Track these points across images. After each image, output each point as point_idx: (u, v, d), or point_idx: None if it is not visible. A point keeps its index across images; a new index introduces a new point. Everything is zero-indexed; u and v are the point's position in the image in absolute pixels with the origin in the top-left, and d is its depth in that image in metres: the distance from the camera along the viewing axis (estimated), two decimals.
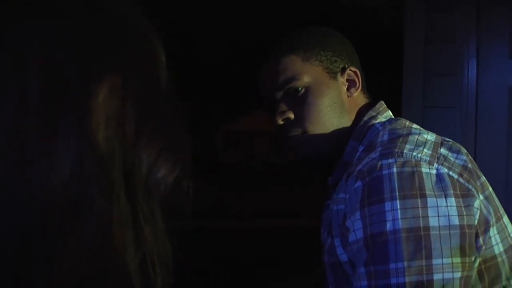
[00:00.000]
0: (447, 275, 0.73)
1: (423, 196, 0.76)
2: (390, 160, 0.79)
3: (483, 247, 0.81)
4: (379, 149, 0.84)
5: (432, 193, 0.77)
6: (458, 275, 0.74)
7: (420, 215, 0.75)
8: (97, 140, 0.32)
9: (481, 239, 0.81)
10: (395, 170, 0.78)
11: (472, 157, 0.90)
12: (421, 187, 0.77)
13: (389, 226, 0.75)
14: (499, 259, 0.84)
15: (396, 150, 0.81)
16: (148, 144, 0.36)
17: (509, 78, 2.18)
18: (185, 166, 0.39)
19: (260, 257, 5.20)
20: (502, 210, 0.89)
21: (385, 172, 0.78)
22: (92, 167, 0.31)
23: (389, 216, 0.75)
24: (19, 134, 0.30)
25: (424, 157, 0.81)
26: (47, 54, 0.31)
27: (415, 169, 0.78)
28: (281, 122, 0.95)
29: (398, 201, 0.76)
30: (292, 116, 0.94)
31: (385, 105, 0.99)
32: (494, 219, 0.84)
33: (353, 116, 0.97)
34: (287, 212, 7.93)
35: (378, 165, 0.80)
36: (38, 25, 0.31)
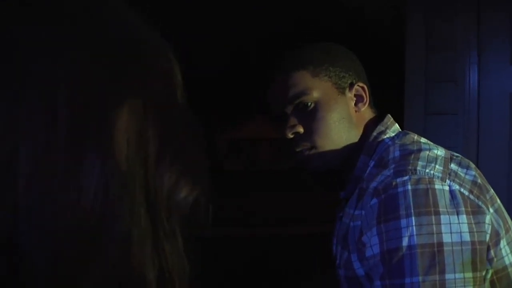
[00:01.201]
0: None
1: (437, 213, 0.79)
2: (405, 178, 0.82)
3: (495, 259, 0.84)
4: (392, 166, 0.86)
5: (445, 210, 0.79)
6: None
7: (434, 232, 0.77)
8: (120, 162, 0.33)
9: (492, 252, 0.83)
10: (409, 187, 0.80)
11: (474, 162, 0.92)
12: (435, 204, 0.79)
13: (405, 242, 0.77)
14: (509, 269, 0.86)
15: (410, 167, 0.84)
16: (169, 165, 0.37)
17: (510, 84, 2.19)
18: (204, 185, 0.39)
19: (262, 265, 5.19)
20: (510, 221, 0.90)
21: (400, 189, 0.81)
22: (115, 189, 0.32)
23: (405, 232, 0.78)
24: (48, 158, 0.31)
25: (437, 173, 0.83)
26: (70, 80, 0.32)
27: (429, 186, 0.81)
28: (291, 136, 0.97)
29: (413, 218, 0.78)
30: (301, 130, 0.96)
31: (392, 119, 1.01)
32: (503, 231, 0.86)
33: (360, 131, 0.99)
34: (291, 219, 7.91)
35: (393, 183, 0.82)
36: (60, 54, 0.33)
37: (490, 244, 0.83)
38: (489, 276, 0.84)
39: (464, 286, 0.76)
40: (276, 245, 6.11)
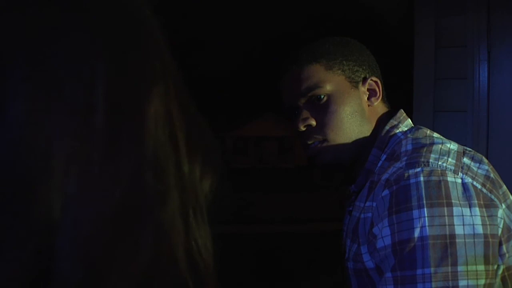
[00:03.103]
0: (472, 282, 0.76)
1: (449, 205, 0.78)
2: (417, 169, 0.82)
3: (506, 255, 0.83)
4: (405, 158, 0.86)
5: (458, 202, 0.79)
6: (482, 282, 0.76)
7: (447, 223, 0.77)
8: (154, 148, 0.33)
9: (504, 247, 0.82)
10: (422, 179, 0.80)
11: None
12: (447, 196, 0.79)
13: (417, 233, 0.77)
14: None
15: (422, 159, 0.84)
16: (195, 151, 0.36)
17: None
18: (220, 177, 0.39)
19: (267, 262, 5.19)
20: None
21: (412, 181, 0.80)
22: (150, 175, 0.32)
23: (417, 223, 0.77)
24: (84, 148, 0.30)
25: (449, 166, 0.83)
26: (106, 67, 0.32)
27: (441, 178, 0.80)
28: (303, 129, 0.97)
29: (425, 209, 0.78)
30: (314, 123, 0.97)
31: (405, 114, 1.01)
32: None
33: (373, 125, 0.99)
34: (296, 217, 7.91)
35: (405, 175, 0.82)
36: (93, 42, 0.32)
37: (502, 239, 0.82)
38: (500, 272, 0.83)
39: (477, 278, 0.76)
40: (282, 242, 6.11)
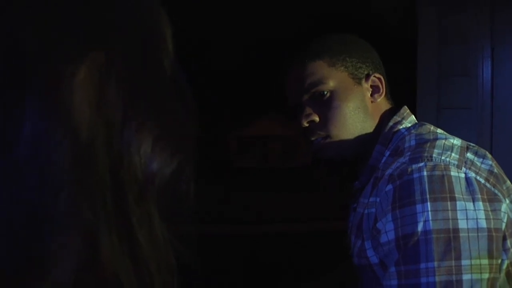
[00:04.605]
0: (475, 276, 0.76)
1: (453, 199, 0.79)
2: (420, 164, 0.82)
3: (511, 250, 0.83)
4: (408, 154, 0.87)
5: (461, 196, 0.79)
6: (486, 276, 0.77)
7: (450, 217, 0.77)
8: (74, 130, 0.26)
9: (508, 242, 0.83)
10: (425, 173, 0.81)
11: None
12: (451, 190, 0.79)
13: (420, 227, 0.77)
14: None
15: (425, 154, 0.84)
16: (139, 131, 0.30)
17: None
18: (185, 157, 0.33)
19: (271, 263, 5.18)
20: None
21: (415, 175, 0.81)
22: (69, 167, 0.26)
23: (420, 218, 0.78)
24: None
25: (453, 161, 0.83)
26: (4, 23, 0.26)
27: (444, 172, 0.81)
28: (306, 125, 0.98)
29: (429, 203, 0.78)
30: (317, 119, 0.97)
31: (408, 110, 1.01)
32: None
33: (376, 121, 1.00)
34: (300, 217, 7.90)
35: (409, 169, 0.82)
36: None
37: (506, 233, 0.82)
38: (504, 267, 0.83)
39: (480, 272, 0.76)
40: (285, 243, 6.10)
